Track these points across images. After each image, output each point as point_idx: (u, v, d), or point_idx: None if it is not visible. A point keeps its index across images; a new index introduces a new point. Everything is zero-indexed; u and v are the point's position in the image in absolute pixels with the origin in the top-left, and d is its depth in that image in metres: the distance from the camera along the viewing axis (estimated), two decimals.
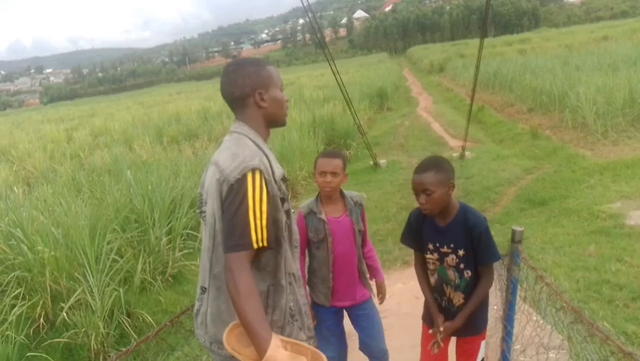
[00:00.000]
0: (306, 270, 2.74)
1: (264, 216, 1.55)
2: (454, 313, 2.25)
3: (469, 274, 2.20)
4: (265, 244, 1.56)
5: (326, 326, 2.74)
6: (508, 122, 14.76)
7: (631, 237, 5.45)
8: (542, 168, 9.44)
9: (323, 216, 2.58)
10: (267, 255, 1.65)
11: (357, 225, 2.64)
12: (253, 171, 1.56)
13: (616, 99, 10.83)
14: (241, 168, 1.57)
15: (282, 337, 1.54)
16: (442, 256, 2.24)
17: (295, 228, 1.80)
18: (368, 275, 2.77)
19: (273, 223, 1.63)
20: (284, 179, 1.74)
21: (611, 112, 10.66)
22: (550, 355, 2.58)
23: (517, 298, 2.45)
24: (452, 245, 2.20)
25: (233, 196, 1.55)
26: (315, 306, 2.76)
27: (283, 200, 1.68)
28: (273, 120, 1.81)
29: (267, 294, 1.67)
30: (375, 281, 2.86)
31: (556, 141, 11.10)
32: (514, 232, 2.43)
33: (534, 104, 14.96)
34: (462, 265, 2.20)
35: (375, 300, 2.83)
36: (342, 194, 2.67)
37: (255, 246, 1.53)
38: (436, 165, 2.16)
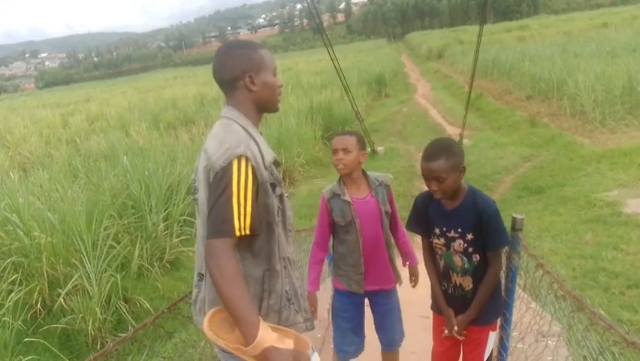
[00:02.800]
0: (331, 258, 2.66)
1: (249, 203, 1.52)
2: (467, 298, 2.19)
3: (478, 258, 2.13)
4: (247, 231, 1.52)
5: (344, 317, 2.67)
6: (507, 110, 14.73)
7: (628, 225, 5.46)
8: (540, 156, 9.44)
9: (347, 198, 2.50)
10: (260, 241, 1.63)
11: (384, 206, 2.55)
12: (239, 158, 1.53)
13: (614, 87, 10.80)
14: (227, 156, 1.54)
15: (266, 323, 1.52)
16: (449, 242, 2.16)
17: (289, 212, 1.76)
18: (397, 262, 2.69)
19: (265, 209, 1.61)
20: (276, 163, 1.70)
21: (609, 100, 10.63)
22: (549, 342, 2.59)
23: (517, 285, 2.44)
24: (460, 229, 2.12)
25: (218, 183, 1.53)
26: (336, 294, 2.70)
27: (274, 185, 1.64)
28: (263, 105, 1.75)
29: (263, 279, 1.65)
30: (409, 266, 2.77)
31: (555, 129, 11.09)
32: (514, 220, 2.41)
33: (532, 91, 14.92)
34: (470, 250, 2.12)
35: (400, 288, 2.75)
36: (365, 175, 2.59)
37: (237, 233, 1.49)
38: (446, 150, 2.06)
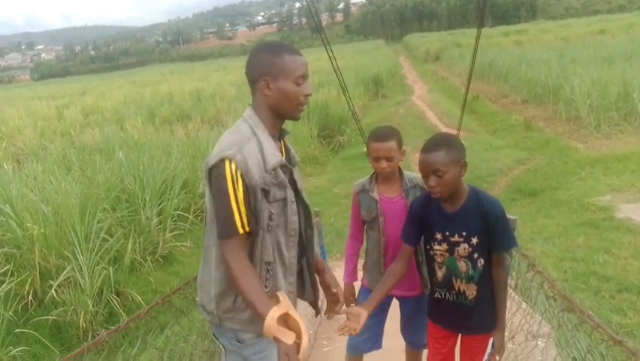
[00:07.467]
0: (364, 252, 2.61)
1: (241, 203, 1.60)
2: (470, 307, 2.06)
3: (482, 263, 2.00)
4: (247, 229, 1.61)
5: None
6: (502, 113, 14.79)
7: (619, 230, 5.51)
8: (534, 160, 9.49)
9: (375, 195, 2.42)
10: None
11: None
12: (229, 160, 1.58)
13: (610, 93, 10.87)
14: (217, 156, 1.60)
15: (283, 306, 1.58)
16: (452, 246, 2.02)
17: (294, 217, 1.77)
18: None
19: (254, 213, 1.65)
20: (284, 167, 1.72)
21: (604, 106, 10.71)
22: (539, 343, 2.61)
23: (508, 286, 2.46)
24: (464, 233, 1.99)
25: (214, 183, 1.61)
26: (362, 290, 2.64)
27: (267, 192, 1.65)
28: (278, 112, 1.74)
29: None
30: None
31: (550, 133, 11.15)
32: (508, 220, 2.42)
33: (529, 95, 14.99)
34: (475, 255, 1.99)
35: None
36: (400, 173, 2.47)
37: (241, 231, 1.59)
38: (446, 142, 1.95)
